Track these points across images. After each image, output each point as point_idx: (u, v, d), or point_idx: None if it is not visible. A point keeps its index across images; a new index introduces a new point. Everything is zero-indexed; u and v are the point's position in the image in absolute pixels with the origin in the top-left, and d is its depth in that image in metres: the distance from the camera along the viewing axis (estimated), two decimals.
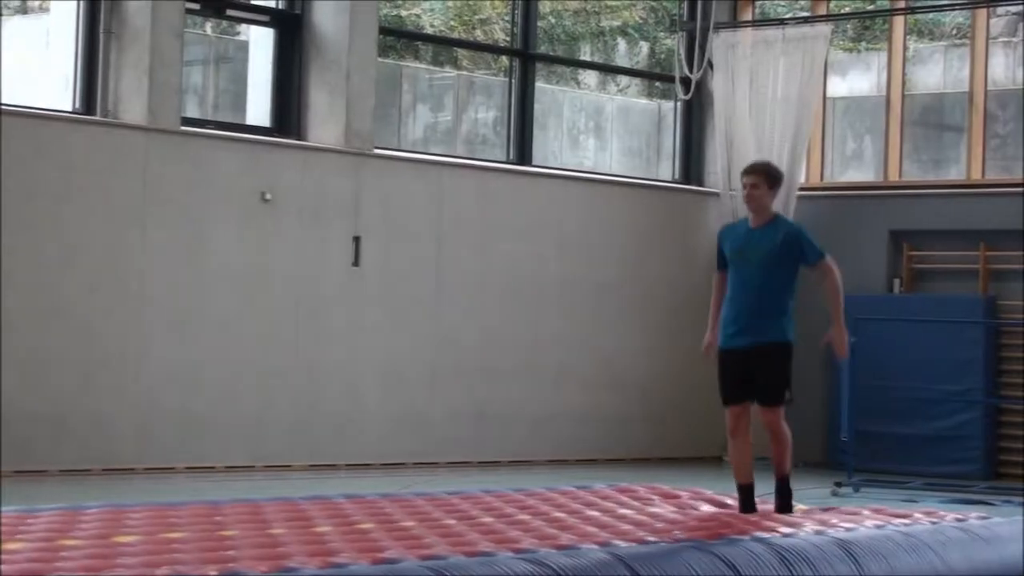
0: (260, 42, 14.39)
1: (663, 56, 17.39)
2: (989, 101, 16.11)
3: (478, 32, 16.83)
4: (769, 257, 8.83)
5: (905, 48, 16.63)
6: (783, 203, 16.19)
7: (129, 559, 5.59)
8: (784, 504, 9.08)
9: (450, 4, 16.75)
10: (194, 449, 13.02)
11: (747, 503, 9.00)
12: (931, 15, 17.00)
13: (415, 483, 11.43)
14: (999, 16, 16.42)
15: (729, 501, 8.65)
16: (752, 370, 8.85)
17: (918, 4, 16.80)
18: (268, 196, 13.51)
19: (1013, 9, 16.39)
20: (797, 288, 9.03)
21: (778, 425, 8.98)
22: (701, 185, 16.99)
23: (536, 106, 15.85)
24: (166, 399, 12.90)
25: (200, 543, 6.10)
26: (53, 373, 12.38)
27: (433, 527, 6.84)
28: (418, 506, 7.72)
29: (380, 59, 14.64)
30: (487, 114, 16.61)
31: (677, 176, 17.13)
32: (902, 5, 16.57)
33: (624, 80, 17.76)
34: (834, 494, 12.55)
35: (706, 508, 8.18)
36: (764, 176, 8.94)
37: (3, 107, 12.52)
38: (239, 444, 13.29)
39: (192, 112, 13.89)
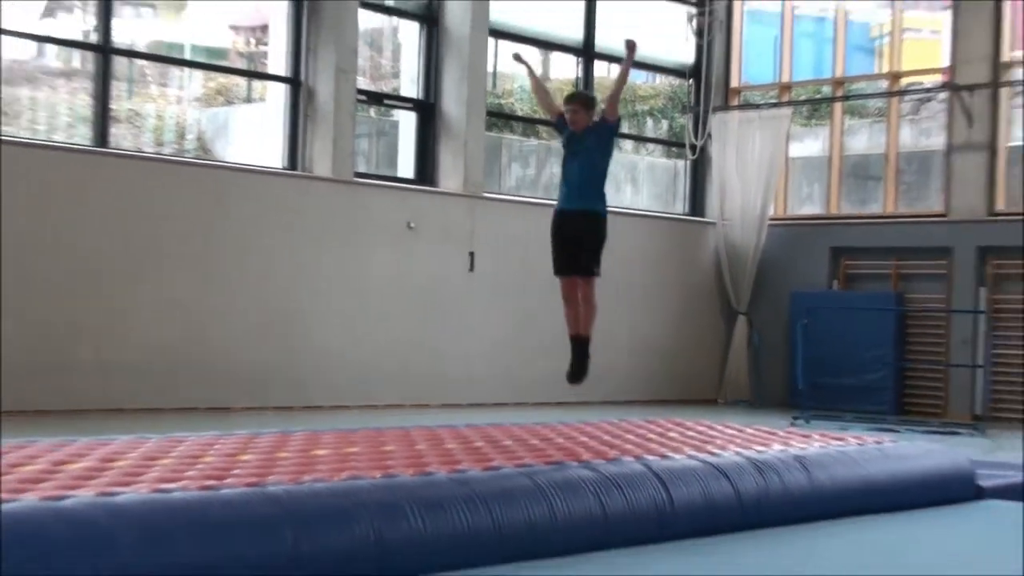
0: (406, 121, 14.49)
1: (678, 130, 17.35)
2: (900, 160, 16.02)
3: None
4: (588, 150, 8.20)
5: (842, 123, 16.55)
6: (757, 231, 16.15)
7: (323, 466, 5.65)
8: (579, 363, 8.47)
9: (534, 96, 16.77)
10: (363, 392, 13.15)
11: (578, 352, 8.47)
12: (859, 101, 16.89)
13: (511, 416, 11.46)
14: (906, 101, 16.32)
15: (719, 427, 8.55)
16: (577, 237, 8.14)
17: (851, 94, 16.70)
18: (412, 225, 13.60)
19: (916, 96, 16.30)
20: (608, 173, 8.29)
21: (591, 295, 8.35)
22: (703, 217, 16.95)
23: None
24: (344, 362, 13.04)
25: (369, 456, 6.14)
26: (268, 350, 12.55)
27: (523, 445, 6.84)
28: (513, 432, 7.70)
29: (487, 132, 14.71)
30: (559, 170, 16.60)
31: (687, 211, 17.08)
32: (840, 94, 16.49)
33: (651, 146, 17.74)
34: (792, 424, 12.51)
35: (702, 432, 8.12)
36: (581, 104, 8.18)
37: (170, 159, 12.67)
38: (393, 389, 13.40)
39: (361, 168, 14.01)
